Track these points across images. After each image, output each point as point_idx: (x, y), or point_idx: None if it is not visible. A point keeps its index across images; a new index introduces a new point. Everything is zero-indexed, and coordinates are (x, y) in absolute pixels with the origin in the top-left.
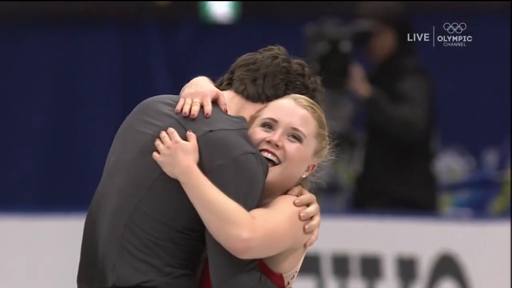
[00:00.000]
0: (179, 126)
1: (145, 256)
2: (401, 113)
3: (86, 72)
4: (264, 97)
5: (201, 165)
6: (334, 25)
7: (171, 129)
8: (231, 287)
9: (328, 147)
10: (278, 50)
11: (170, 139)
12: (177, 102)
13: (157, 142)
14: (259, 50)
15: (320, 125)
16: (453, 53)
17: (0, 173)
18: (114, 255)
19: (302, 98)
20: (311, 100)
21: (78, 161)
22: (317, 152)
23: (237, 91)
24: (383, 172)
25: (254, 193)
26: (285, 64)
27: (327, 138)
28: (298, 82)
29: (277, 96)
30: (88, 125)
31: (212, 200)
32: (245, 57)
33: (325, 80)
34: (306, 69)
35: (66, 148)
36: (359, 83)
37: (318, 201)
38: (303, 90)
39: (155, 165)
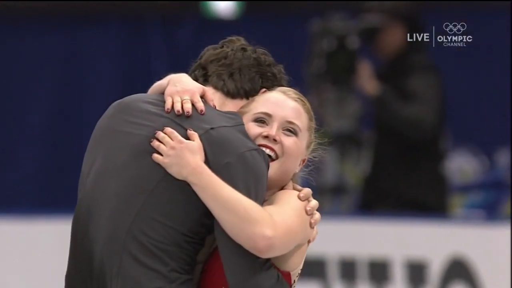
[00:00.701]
0: (175, 125)
1: (150, 262)
2: (411, 112)
3: (86, 71)
4: (243, 92)
5: (207, 164)
6: (341, 21)
7: (169, 129)
8: (252, 287)
9: (315, 140)
10: (241, 41)
11: (172, 139)
12: (159, 100)
13: (156, 143)
14: (223, 42)
15: (310, 117)
16: (464, 51)
17: (0, 173)
18: (116, 262)
19: (290, 91)
20: (298, 92)
21: (78, 161)
22: (308, 146)
23: (216, 88)
24: (392, 173)
25: (262, 190)
26: (254, 55)
27: (314, 131)
28: (269, 73)
29: (254, 90)
30: (88, 125)
31: (229, 200)
32: (213, 51)
33: (332, 77)
34: (270, 58)
35: (66, 148)
36: (366, 80)
37: (324, 203)
38: (274, 80)
39: (156, 166)
